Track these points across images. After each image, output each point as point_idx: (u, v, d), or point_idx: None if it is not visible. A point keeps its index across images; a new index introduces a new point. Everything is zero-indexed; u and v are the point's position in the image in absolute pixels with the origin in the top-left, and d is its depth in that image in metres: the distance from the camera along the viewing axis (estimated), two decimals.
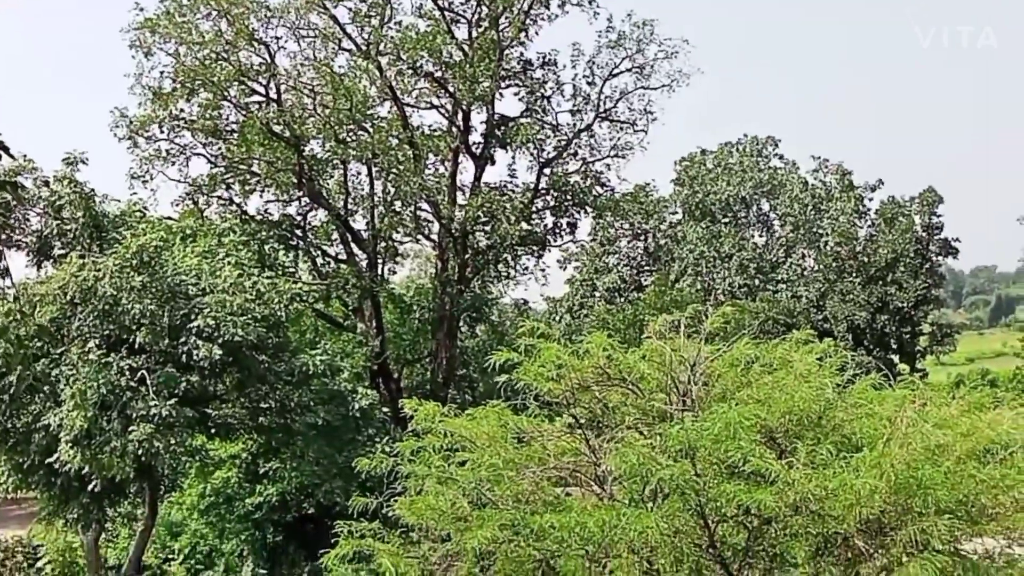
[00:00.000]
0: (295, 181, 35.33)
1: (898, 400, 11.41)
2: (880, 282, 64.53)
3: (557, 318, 65.33)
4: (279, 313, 25.10)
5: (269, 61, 34.19)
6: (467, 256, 37.51)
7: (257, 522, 30.65)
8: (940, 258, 69.31)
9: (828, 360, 12.60)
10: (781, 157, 71.07)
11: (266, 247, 34.74)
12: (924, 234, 66.98)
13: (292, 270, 36.31)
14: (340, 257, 37.51)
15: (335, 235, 37.81)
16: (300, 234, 37.25)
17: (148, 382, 22.73)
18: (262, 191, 36.70)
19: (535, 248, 39.44)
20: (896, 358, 66.16)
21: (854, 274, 64.95)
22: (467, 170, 38.18)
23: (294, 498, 30.20)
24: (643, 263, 70.95)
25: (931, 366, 74.52)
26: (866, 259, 65.35)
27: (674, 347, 12.50)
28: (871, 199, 68.28)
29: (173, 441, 23.02)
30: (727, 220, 69.51)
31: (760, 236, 71.60)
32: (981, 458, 10.70)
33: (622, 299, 63.88)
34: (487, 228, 37.31)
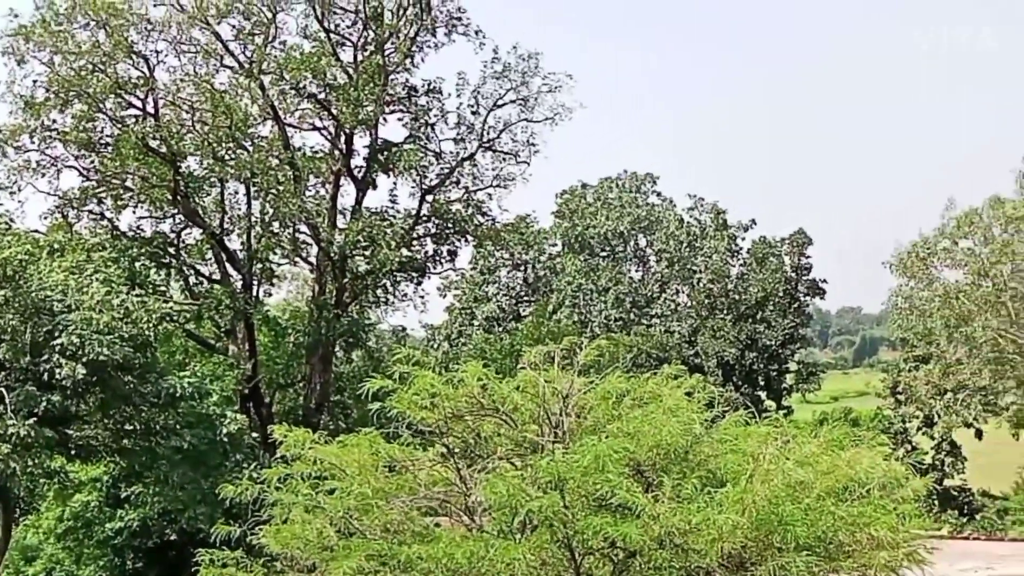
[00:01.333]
0: (170, 198, 34.55)
1: (762, 437, 11.64)
2: (750, 320, 66.15)
3: (435, 346, 65.21)
4: (147, 333, 24.45)
5: (148, 75, 33.45)
6: (345, 280, 37.16)
7: (117, 548, 29.69)
8: (808, 298, 71.41)
9: (697, 395, 12.79)
10: (659, 194, 72.53)
11: (137, 264, 33.85)
12: (793, 274, 68.95)
13: (163, 289, 35.42)
14: (214, 277, 36.77)
15: (210, 254, 37.05)
16: (173, 252, 36.41)
17: (6, 400, 21.88)
18: (135, 207, 35.79)
19: (415, 275, 39.30)
20: (764, 395, 67.85)
21: (725, 311, 66.47)
22: (348, 194, 37.93)
23: (156, 524, 29.32)
24: (522, 293, 71.40)
25: (797, 403, 76.55)
26: (737, 297, 66.97)
27: (548, 378, 12.56)
28: (743, 238, 70.07)
29: (30, 462, 22.20)
30: (605, 254, 70.50)
31: (636, 271, 72.77)
32: (840, 496, 10.97)
33: (500, 329, 64.13)
34: (367, 253, 37.02)
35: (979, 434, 53.31)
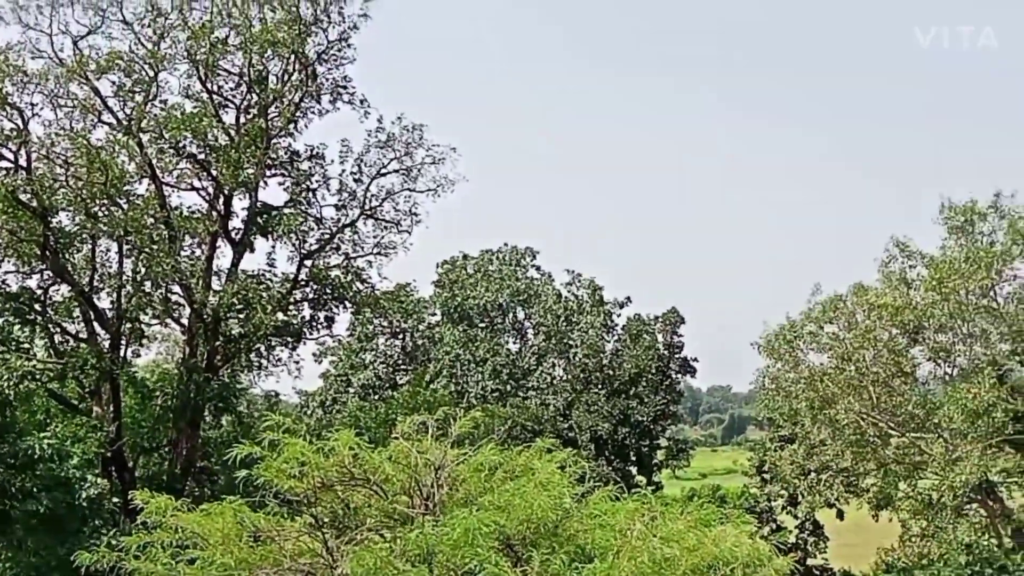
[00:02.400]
0: (39, 253, 33.57)
1: (631, 512, 11.78)
2: (623, 395, 66.91)
3: (308, 412, 64.17)
4: (7, 392, 23.58)
5: (21, 127, 32.62)
6: (218, 343, 36.48)
7: None
8: (679, 376, 72.61)
9: (569, 469, 12.89)
10: (538, 268, 73.24)
11: (0, 320, 32.74)
12: (666, 352, 70.10)
13: (27, 346, 34.28)
14: (81, 336, 35.70)
15: (77, 312, 36.00)
16: (39, 309, 35.26)
17: None
18: (1, 261, 34.69)
19: (290, 340, 38.82)
20: (635, 470, 68.45)
21: (600, 386, 67.12)
22: (225, 255, 37.40)
23: None
24: (399, 362, 70.96)
25: (667, 479, 77.41)
26: (612, 372, 67.73)
27: (421, 449, 12.52)
28: (619, 315, 71.09)
29: None
30: (484, 325, 70.70)
31: (514, 343, 73.09)
32: (705, 573, 11.14)
33: (376, 397, 63.52)
34: (241, 316, 36.49)
35: (840, 514, 54.69)
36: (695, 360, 71.84)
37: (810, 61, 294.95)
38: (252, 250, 37.53)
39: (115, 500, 29.92)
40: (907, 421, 40.55)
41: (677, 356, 70.95)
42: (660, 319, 70.72)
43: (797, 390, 42.36)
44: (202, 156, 35.83)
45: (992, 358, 38.74)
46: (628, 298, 71.36)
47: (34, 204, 32.45)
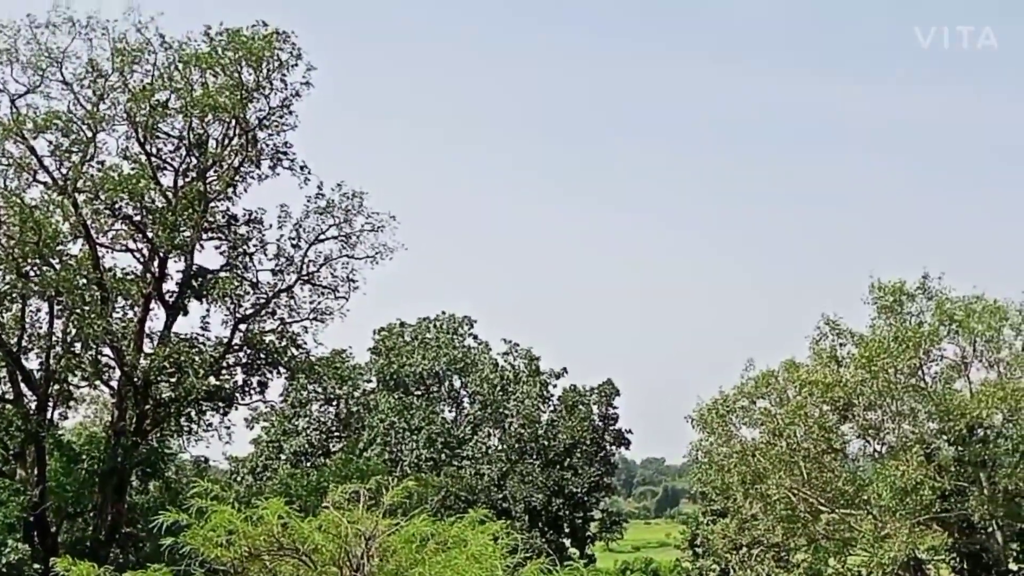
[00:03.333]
0: None
1: None
2: (558, 466, 66.78)
3: (239, 479, 63.12)
4: None
5: None
6: (147, 407, 35.90)
7: None
8: (614, 447, 72.70)
9: (502, 540, 12.84)
10: (475, 337, 73.23)
11: None
12: (601, 423, 70.23)
13: None
14: (7, 396, 34.95)
15: (4, 373, 35.28)
16: None
17: None
18: None
19: (222, 404, 38.29)
20: (568, 542, 68.12)
21: (535, 456, 66.96)
22: (158, 318, 36.96)
23: None
24: (333, 429, 70.22)
25: (600, 552, 77.19)
26: (547, 443, 67.64)
27: (352, 519, 12.41)
28: (555, 385, 71.21)
29: None
30: (420, 393, 70.36)
31: (450, 411, 72.78)
32: None
33: (308, 464, 62.69)
34: (172, 380, 35.99)
35: None
36: (629, 432, 72.08)
37: (748, 134, 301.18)
38: (186, 313, 37.15)
39: (36, 566, 29.15)
40: (837, 497, 40.96)
41: (612, 427, 71.11)
42: (596, 390, 70.94)
43: (729, 464, 42.68)
44: (138, 218, 35.56)
45: (920, 436, 39.42)
46: (564, 369, 71.57)
47: None
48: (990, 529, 40.00)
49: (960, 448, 39.50)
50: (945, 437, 40.33)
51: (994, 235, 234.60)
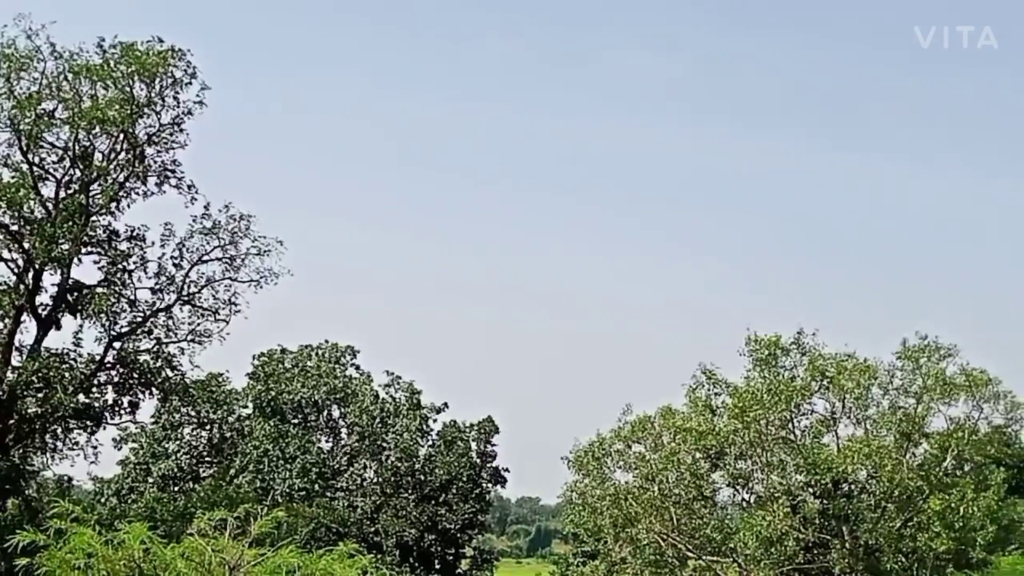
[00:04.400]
0: None
1: None
2: (433, 502, 66.50)
3: (103, 500, 61.28)
4: None
5: None
6: (11, 422, 34.76)
7: None
8: (490, 485, 72.74)
9: (371, 575, 12.77)
10: (357, 367, 72.73)
11: None
12: (478, 460, 70.25)
13: None
14: None
15: None
16: None
17: None
18: None
19: (90, 423, 37.27)
20: None
21: (410, 491, 66.57)
22: (29, 331, 35.89)
23: None
24: (204, 453, 68.73)
25: None
26: (423, 478, 67.34)
27: (217, 547, 12.20)
28: (435, 420, 71.04)
29: None
30: (297, 421, 69.45)
31: (327, 441, 71.97)
32: None
33: (176, 488, 61.24)
34: (40, 395, 34.93)
35: None
36: (506, 470, 72.23)
37: (632, 180, 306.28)
38: (59, 328, 36.15)
39: None
40: (705, 544, 41.59)
41: (489, 465, 71.16)
42: (476, 427, 70.98)
43: (602, 507, 43.02)
44: (15, 227, 34.57)
45: (787, 487, 40.30)
46: (445, 404, 71.49)
47: None
48: None
49: (825, 501, 40.48)
50: (811, 490, 41.29)
51: (866, 296, 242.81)
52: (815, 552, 40.53)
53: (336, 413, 72.21)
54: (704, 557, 41.40)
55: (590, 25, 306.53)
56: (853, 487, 41.17)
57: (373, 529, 63.93)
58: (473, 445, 70.43)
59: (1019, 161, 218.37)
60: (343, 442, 71.44)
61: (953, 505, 38.61)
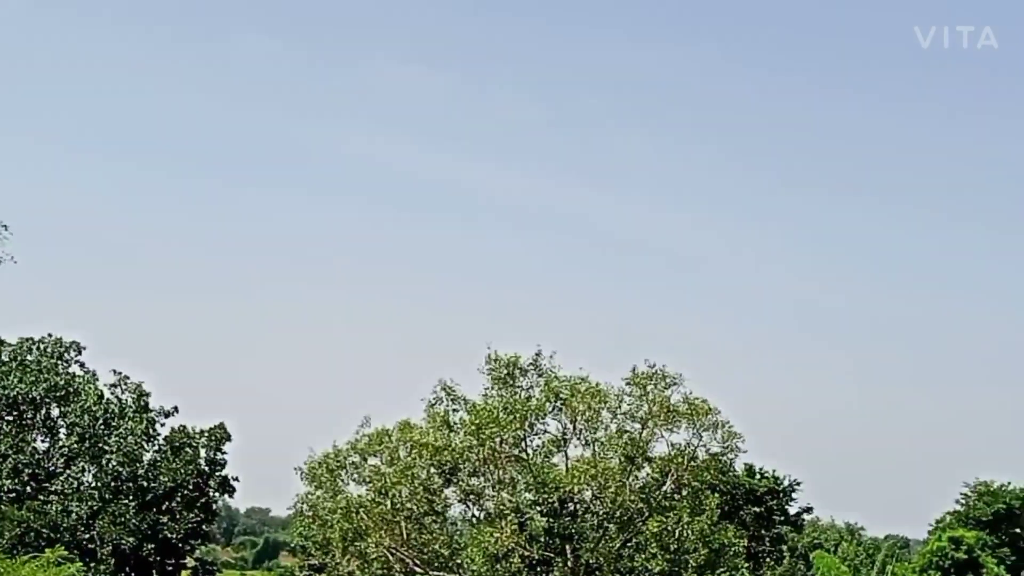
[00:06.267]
0: None
1: None
2: (155, 509, 63.88)
3: None
4: None
5: None
6: None
7: None
8: (218, 494, 70.56)
9: None
10: (82, 364, 68.93)
11: None
12: (207, 468, 68.01)
13: None
14: None
15: None
16: None
17: None
18: None
19: None
20: None
21: (131, 497, 63.64)
22: None
23: None
24: None
25: None
26: (146, 484, 64.55)
27: None
28: (163, 424, 68.27)
29: None
30: (11, 418, 65.13)
31: (43, 441, 67.79)
32: None
33: None
34: None
35: None
36: (236, 479, 70.22)
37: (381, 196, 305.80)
38: None
39: None
40: (433, 559, 41.89)
41: (218, 473, 69.01)
42: (206, 433, 68.72)
43: (333, 519, 42.63)
44: None
45: (516, 505, 41.17)
46: (175, 408, 68.84)
47: None
48: None
49: (551, 520, 41.57)
50: (539, 508, 42.32)
51: (603, 321, 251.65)
52: (539, 570, 41.55)
53: (56, 412, 68.19)
54: (432, 572, 41.66)
55: (354, 32, 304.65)
56: (579, 507, 42.46)
57: (88, 536, 60.69)
58: (202, 452, 68.10)
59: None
60: (61, 443, 67.50)
61: (670, 528, 40.54)
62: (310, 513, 44.42)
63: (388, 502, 41.67)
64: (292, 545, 71.60)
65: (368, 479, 42.95)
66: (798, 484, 69.88)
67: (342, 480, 43.65)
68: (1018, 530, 66.54)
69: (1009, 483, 67.99)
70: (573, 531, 41.24)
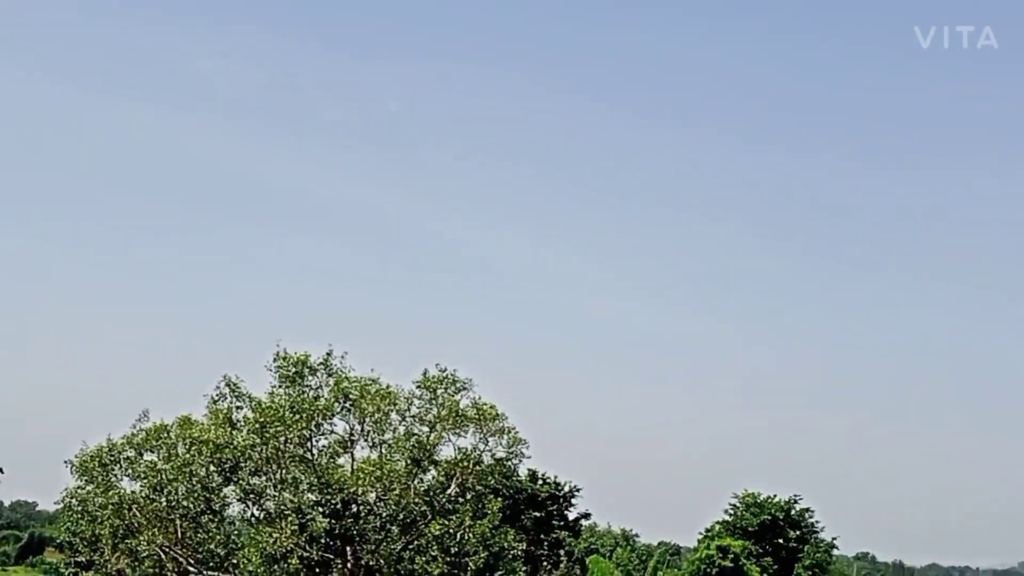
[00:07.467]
0: None
1: None
2: None
3: None
4: None
5: None
6: None
7: None
8: None
9: None
10: None
11: None
12: None
13: None
14: None
15: None
16: None
17: None
18: None
19: None
20: None
21: None
22: None
23: None
24: None
25: None
26: None
27: None
28: None
29: None
30: None
31: None
32: None
33: None
34: None
35: None
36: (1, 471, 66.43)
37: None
38: None
39: None
40: (208, 559, 40.78)
41: None
42: None
43: (103, 515, 40.98)
44: None
45: (298, 506, 40.50)
46: None
47: None
48: None
49: (334, 521, 41.11)
50: (321, 509, 41.78)
51: (401, 321, 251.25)
52: (317, 571, 41.03)
53: None
54: (206, 572, 40.55)
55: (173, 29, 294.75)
56: (362, 508, 42.17)
57: None
58: None
59: None
60: None
61: (451, 531, 40.76)
62: (79, 508, 42.52)
63: (163, 499, 40.33)
64: (59, 541, 68.39)
65: (143, 475, 41.44)
66: (578, 490, 71.43)
67: (115, 475, 41.99)
68: (781, 540, 69.80)
69: (775, 495, 71.27)
70: (355, 533, 40.92)
